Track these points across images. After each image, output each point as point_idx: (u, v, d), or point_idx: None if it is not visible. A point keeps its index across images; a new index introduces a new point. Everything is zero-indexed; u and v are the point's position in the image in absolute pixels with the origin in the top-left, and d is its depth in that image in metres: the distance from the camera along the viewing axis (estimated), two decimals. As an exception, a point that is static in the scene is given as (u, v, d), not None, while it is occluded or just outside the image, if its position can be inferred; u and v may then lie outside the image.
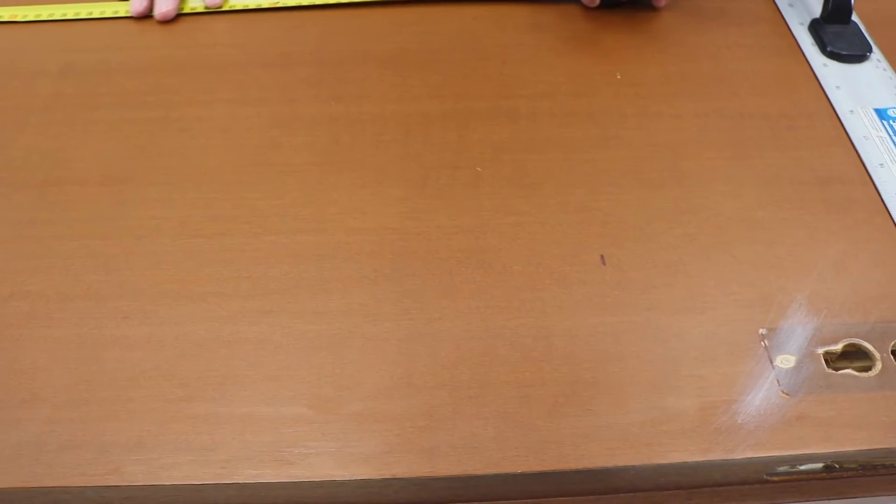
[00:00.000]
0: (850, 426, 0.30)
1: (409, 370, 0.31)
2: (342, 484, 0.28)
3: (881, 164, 0.39)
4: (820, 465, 0.30)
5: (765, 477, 0.30)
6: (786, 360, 0.32)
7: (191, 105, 0.42)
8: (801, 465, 0.30)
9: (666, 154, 0.39)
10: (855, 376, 0.31)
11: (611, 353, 0.31)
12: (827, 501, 0.32)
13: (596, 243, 0.35)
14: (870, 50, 0.44)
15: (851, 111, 0.41)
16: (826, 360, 0.32)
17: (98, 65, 0.44)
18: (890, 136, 0.40)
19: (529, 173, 0.38)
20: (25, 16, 0.47)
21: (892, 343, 0.32)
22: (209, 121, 0.41)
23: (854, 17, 0.46)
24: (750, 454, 0.29)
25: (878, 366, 0.32)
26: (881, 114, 0.41)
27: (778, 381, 0.31)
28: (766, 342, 0.32)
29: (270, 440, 0.29)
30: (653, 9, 0.47)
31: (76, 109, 0.42)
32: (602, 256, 0.35)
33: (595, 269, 0.34)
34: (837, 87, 0.43)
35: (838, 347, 0.32)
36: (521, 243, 0.35)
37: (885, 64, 0.44)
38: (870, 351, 0.32)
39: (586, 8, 0.47)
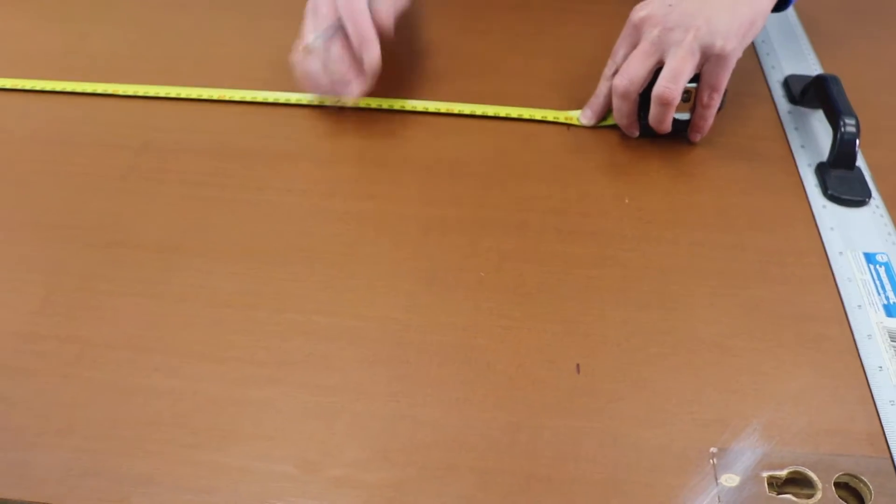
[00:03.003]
0: (781, 548, 0.33)
1: (386, 446, 0.36)
2: (312, 538, 0.33)
3: (859, 306, 0.43)
4: (750, 581, 0.34)
5: (696, 586, 0.34)
6: (730, 479, 0.36)
7: (243, 189, 0.49)
8: (731, 579, 0.33)
9: (656, 277, 0.44)
10: (795, 502, 0.35)
11: (568, 453, 0.36)
12: None
13: (575, 353, 0.40)
14: (869, 196, 0.49)
15: (841, 252, 0.46)
16: (770, 484, 0.36)
17: (173, 144, 0.52)
18: (873, 279, 0.44)
19: (527, 282, 0.43)
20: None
21: (836, 475, 0.36)
22: (255, 205, 0.48)
23: (861, 164, 0.51)
24: (682, 561, 0.33)
25: (819, 495, 0.35)
26: (869, 258, 0.45)
27: (719, 497, 0.35)
28: (714, 460, 0.36)
29: (258, 491, 0.34)
30: (686, 141, 0.53)
31: (146, 182, 0.49)
32: (578, 365, 0.40)
33: (570, 376, 0.39)
34: (832, 228, 0.47)
35: (783, 473, 0.36)
36: (507, 345, 0.40)
37: (882, 210, 0.48)
38: (813, 480, 0.36)
39: (624, 136, 0.53)
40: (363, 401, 0.38)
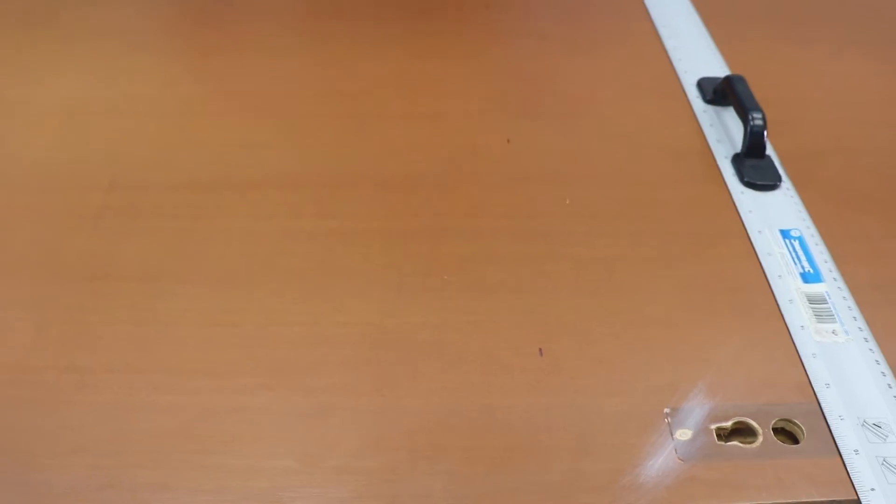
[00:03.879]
0: (732, 486, 0.39)
1: (378, 435, 0.40)
2: (320, 521, 0.37)
3: (779, 276, 0.49)
4: (710, 519, 0.39)
5: (663, 528, 0.38)
6: (683, 434, 0.41)
7: (214, 218, 0.52)
8: (692, 519, 0.38)
9: (602, 266, 0.49)
10: (740, 447, 0.40)
11: (540, 425, 0.41)
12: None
13: (536, 339, 0.45)
14: (780, 180, 0.55)
15: (760, 231, 0.52)
16: (718, 435, 0.41)
17: (140, 182, 0.55)
18: (790, 252, 0.50)
19: (487, 281, 0.48)
20: None
21: (773, 421, 0.41)
22: (228, 232, 0.51)
23: (770, 152, 0.57)
24: (649, 506, 0.38)
25: (760, 439, 0.41)
26: (784, 234, 0.52)
27: (675, 450, 0.40)
28: (668, 419, 0.41)
29: (267, 486, 0.38)
30: (615, 147, 0.58)
31: (120, 218, 0.52)
32: (540, 349, 0.44)
33: (534, 359, 0.44)
34: (750, 211, 0.53)
35: (728, 424, 0.41)
36: (475, 338, 0.45)
37: (792, 192, 0.55)
38: (754, 427, 0.41)
39: (559, 144, 0.58)
40: (351, 397, 0.42)
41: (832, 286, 0.48)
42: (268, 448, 0.40)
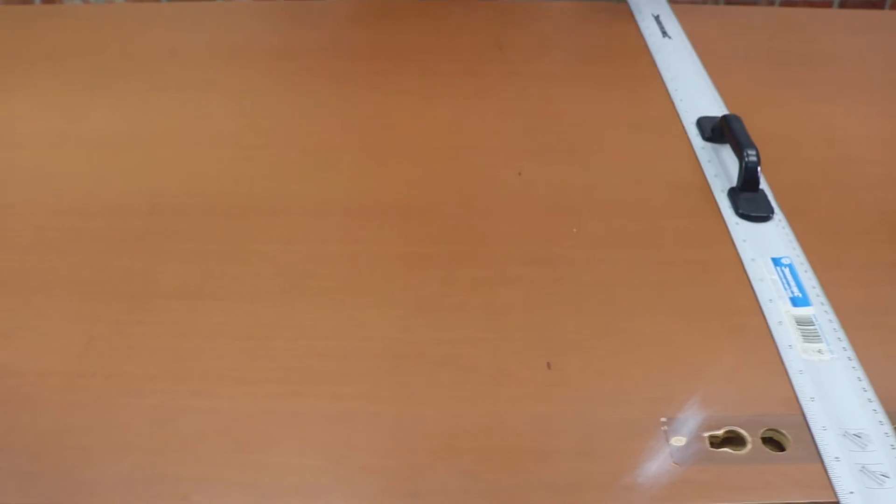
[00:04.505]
0: (723, 488, 0.42)
1: (398, 437, 0.44)
2: (347, 513, 0.41)
3: (770, 300, 0.53)
4: (701, 518, 0.42)
5: (659, 526, 0.42)
6: (678, 441, 0.45)
7: (247, 242, 0.57)
8: (686, 517, 0.42)
9: (605, 290, 0.53)
10: (731, 454, 0.44)
11: (547, 431, 0.45)
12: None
13: (544, 354, 0.49)
14: (772, 212, 0.59)
15: (753, 259, 0.56)
16: (711, 442, 0.45)
17: (179, 207, 0.60)
18: (780, 278, 0.54)
19: (499, 302, 0.52)
20: None
21: (762, 431, 0.45)
22: (260, 254, 0.56)
23: (764, 186, 0.61)
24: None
25: (749, 447, 0.44)
26: (776, 261, 0.56)
27: (671, 455, 0.44)
28: (665, 427, 0.45)
29: (297, 482, 0.42)
30: (614, 177, 0.63)
31: (160, 241, 0.57)
32: (548, 363, 0.48)
33: (542, 372, 0.48)
34: (744, 240, 0.57)
35: (720, 433, 0.45)
36: (488, 352, 0.49)
37: (784, 223, 0.59)
38: (744, 436, 0.45)
39: (567, 178, 0.63)
40: (374, 404, 0.46)
41: (819, 309, 0.52)
42: (298, 448, 0.44)
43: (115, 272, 0.55)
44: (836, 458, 0.44)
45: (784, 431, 0.45)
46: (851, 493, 0.42)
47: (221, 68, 0.77)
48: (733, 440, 0.45)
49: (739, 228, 0.58)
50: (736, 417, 0.46)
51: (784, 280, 0.54)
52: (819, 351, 0.50)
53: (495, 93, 0.73)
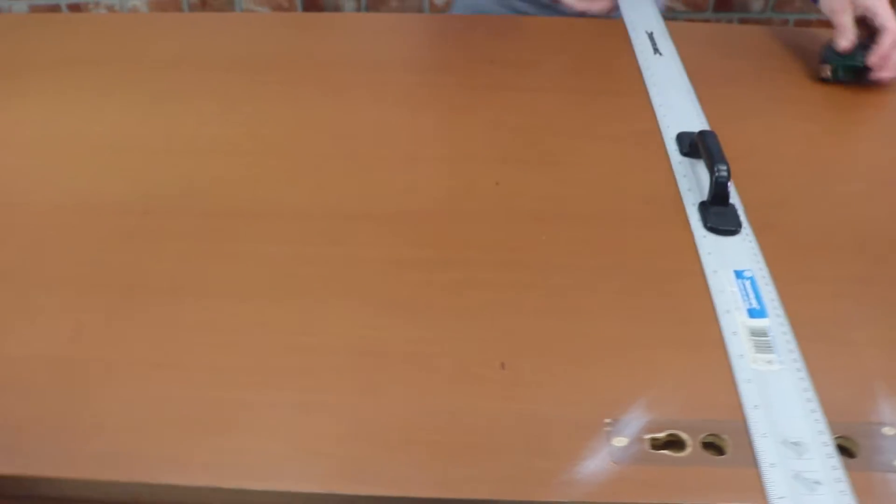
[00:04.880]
0: (657, 487, 0.45)
1: (356, 429, 0.47)
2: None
3: (727, 311, 0.55)
4: (635, 515, 0.45)
5: (595, 521, 0.45)
6: (620, 441, 0.47)
7: (233, 242, 0.61)
8: (621, 514, 0.44)
9: (569, 295, 0.56)
10: (669, 455, 0.46)
11: (498, 428, 0.47)
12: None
13: (502, 356, 0.52)
14: (740, 226, 0.61)
15: (715, 271, 0.58)
16: (652, 444, 0.47)
17: (172, 208, 0.64)
18: (739, 290, 0.56)
19: (465, 305, 0.55)
20: None
21: (703, 436, 0.47)
22: (247, 255, 0.59)
23: (736, 201, 0.63)
24: (583, 499, 0.44)
25: (689, 450, 0.47)
26: (738, 274, 0.58)
27: (611, 454, 0.46)
28: (608, 429, 0.47)
29: (256, 464, 0.45)
30: (589, 188, 0.65)
31: (151, 240, 0.61)
32: (503, 364, 0.51)
33: (497, 372, 0.51)
34: (709, 253, 0.59)
35: (662, 435, 0.47)
36: (450, 352, 0.52)
37: (751, 237, 0.61)
38: (684, 439, 0.47)
39: (542, 186, 0.65)
40: (337, 396, 0.49)
41: (775, 321, 0.54)
42: (260, 434, 0.47)
43: (107, 267, 0.59)
44: (772, 464, 0.46)
45: (725, 437, 0.47)
46: (782, 498, 0.44)
47: (224, 78, 0.81)
48: (676, 444, 0.47)
49: (706, 241, 0.61)
50: (679, 422, 0.48)
51: (744, 292, 0.56)
52: (769, 361, 0.52)
53: (484, 105, 0.76)
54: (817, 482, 0.45)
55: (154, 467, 0.45)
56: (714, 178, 0.62)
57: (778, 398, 0.49)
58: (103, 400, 0.49)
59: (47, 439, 0.47)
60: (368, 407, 0.49)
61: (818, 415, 0.48)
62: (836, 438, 0.47)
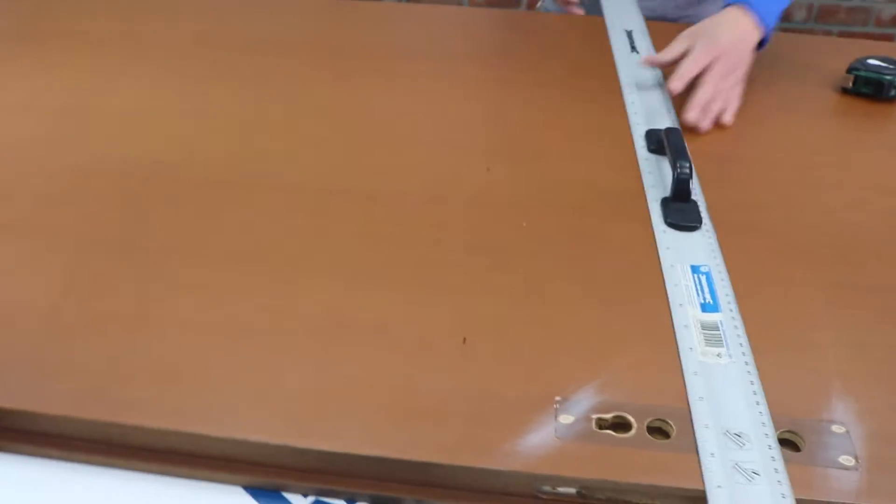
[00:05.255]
0: (597, 464, 0.42)
1: (313, 388, 0.45)
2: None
3: (680, 304, 0.52)
4: (573, 489, 0.42)
5: (536, 493, 0.42)
6: (566, 418, 0.44)
7: (228, 211, 0.58)
8: (559, 486, 0.42)
9: (532, 281, 0.53)
10: (613, 436, 0.44)
11: (450, 398, 0.45)
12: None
13: (464, 331, 0.49)
14: (700, 223, 0.58)
15: (672, 266, 0.55)
16: (599, 424, 0.44)
17: (172, 176, 0.62)
18: (695, 285, 0.54)
19: (435, 281, 0.53)
20: None
21: (648, 420, 0.45)
22: (237, 222, 0.57)
23: (699, 198, 0.60)
24: (521, 469, 0.42)
25: (633, 432, 0.44)
26: (694, 269, 0.55)
27: (555, 429, 0.44)
28: (557, 406, 0.45)
29: (215, 411, 0.43)
30: (564, 180, 0.63)
31: (150, 204, 0.59)
32: (464, 338, 0.49)
33: (458, 347, 0.48)
34: (668, 247, 0.57)
35: (609, 416, 0.45)
36: (415, 325, 0.49)
37: (711, 234, 0.58)
38: (630, 421, 0.45)
39: (528, 178, 0.63)
40: (300, 357, 0.47)
41: (727, 316, 0.51)
42: (223, 385, 0.45)
43: (105, 225, 0.57)
44: (712, 453, 0.43)
45: (671, 422, 0.44)
46: (719, 486, 0.41)
47: (240, 59, 0.79)
48: (622, 426, 0.44)
49: (665, 236, 0.58)
50: (627, 405, 0.45)
51: (698, 287, 0.54)
52: (718, 355, 0.49)
53: (481, 97, 0.73)
54: (756, 472, 0.42)
55: (124, 409, 0.44)
56: (676, 175, 0.59)
57: (723, 391, 0.46)
58: (85, 345, 0.47)
59: (30, 377, 0.45)
60: (328, 369, 0.46)
61: (762, 407, 0.45)
62: (783, 432, 0.44)
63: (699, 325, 0.51)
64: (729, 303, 0.52)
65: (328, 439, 0.42)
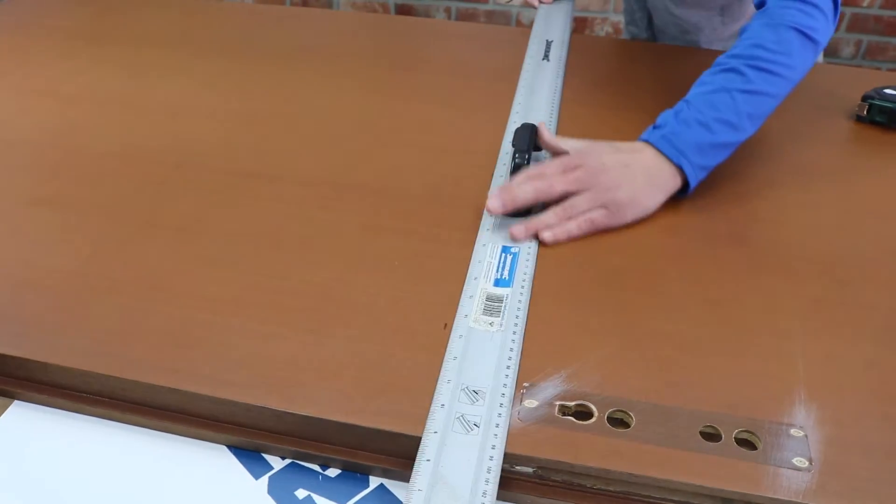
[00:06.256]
0: (553, 447, 0.43)
1: (296, 358, 0.48)
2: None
3: (475, 278, 0.55)
4: (531, 469, 0.44)
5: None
6: (531, 403, 0.46)
7: (244, 198, 0.63)
8: (517, 465, 0.44)
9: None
10: (573, 421, 0.45)
11: (419, 374, 0.47)
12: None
13: (447, 318, 0.52)
14: (529, 212, 0.60)
15: (484, 245, 0.58)
16: (563, 411, 0.46)
17: (199, 165, 0.67)
18: (498, 262, 0.56)
19: (428, 272, 0.56)
20: None
21: (609, 410, 0.46)
22: (252, 208, 0.62)
23: None
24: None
25: (595, 419, 0.45)
26: (505, 249, 0.58)
27: (519, 412, 0.45)
28: (523, 391, 0.47)
29: (208, 373, 0.47)
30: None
31: (177, 188, 0.64)
32: (445, 324, 0.51)
33: (439, 331, 0.51)
34: (489, 228, 0.60)
35: (572, 404, 0.46)
36: (401, 308, 0.52)
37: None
38: (593, 410, 0.46)
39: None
40: (289, 330, 0.50)
41: (516, 292, 0.54)
42: (219, 352, 0.48)
43: (133, 205, 0.62)
44: (442, 405, 0.45)
45: (632, 414, 0.45)
46: (434, 432, 0.44)
47: (272, 67, 0.85)
48: (585, 414, 0.45)
49: (490, 219, 0.60)
50: (592, 396, 0.46)
51: (501, 264, 0.56)
52: (491, 323, 0.51)
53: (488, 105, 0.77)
54: (476, 425, 0.44)
55: (127, 366, 0.47)
56: (513, 164, 0.63)
57: (480, 353, 0.49)
58: (100, 307, 0.52)
59: (49, 332, 0.50)
60: (314, 342, 0.49)
61: (511, 371, 0.47)
62: (740, 432, 0.45)
63: (484, 297, 0.53)
64: (524, 282, 0.55)
65: (306, 405, 0.45)
